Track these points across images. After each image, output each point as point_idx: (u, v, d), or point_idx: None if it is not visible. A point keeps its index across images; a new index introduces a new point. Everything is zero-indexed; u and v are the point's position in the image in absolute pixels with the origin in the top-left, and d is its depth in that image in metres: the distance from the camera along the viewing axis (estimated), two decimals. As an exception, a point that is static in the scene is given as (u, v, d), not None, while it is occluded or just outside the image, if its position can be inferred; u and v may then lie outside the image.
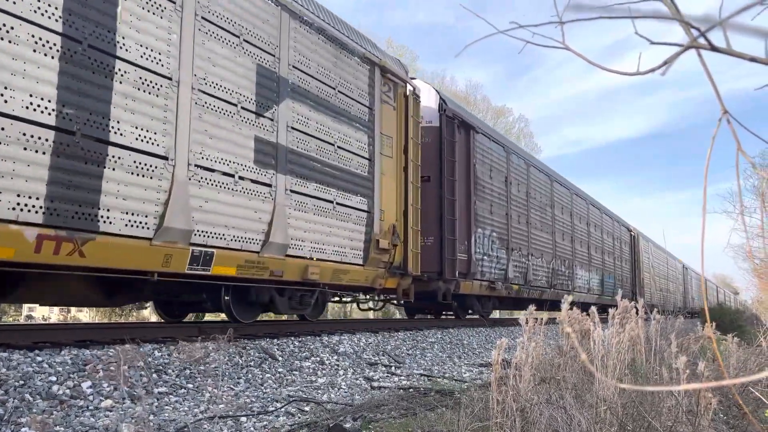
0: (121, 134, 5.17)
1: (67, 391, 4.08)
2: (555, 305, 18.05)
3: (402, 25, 65.99)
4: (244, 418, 3.96)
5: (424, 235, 10.54)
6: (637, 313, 4.77)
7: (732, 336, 6.40)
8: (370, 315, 24.28)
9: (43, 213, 4.59)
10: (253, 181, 6.60)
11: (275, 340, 6.72)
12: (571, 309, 4.09)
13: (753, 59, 0.87)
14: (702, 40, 0.82)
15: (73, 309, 26.13)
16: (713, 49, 0.84)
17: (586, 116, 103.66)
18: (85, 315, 23.00)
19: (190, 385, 4.81)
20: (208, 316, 14.02)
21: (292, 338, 7.05)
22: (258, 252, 6.66)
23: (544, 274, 16.10)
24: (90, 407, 3.96)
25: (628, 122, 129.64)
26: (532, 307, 4.09)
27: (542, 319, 4.26)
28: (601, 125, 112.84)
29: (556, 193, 17.59)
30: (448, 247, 11.05)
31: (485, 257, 12.56)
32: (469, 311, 13.47)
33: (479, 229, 12.32)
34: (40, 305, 15.10)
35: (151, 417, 3.87)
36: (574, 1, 0.88)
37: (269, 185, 6.82)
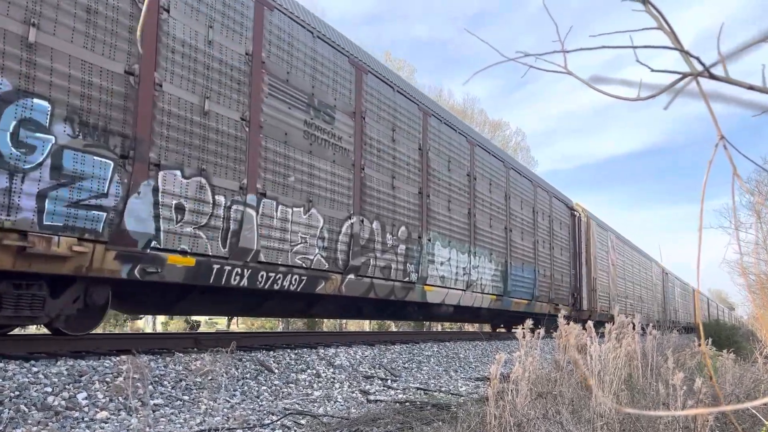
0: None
1: (63, 402, 4.07)
2: (374, 305, 9.99)
3: (401, 39, 66.57)
4: (239, 431, 3.94)
5: None
6: (634, 328, 4.79)
7: (727, 352, 6.42)
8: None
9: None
10: None
11: (271, 352, 6.71)
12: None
13: (751, 87, 0.90)
14: (702, 69, 0.85)
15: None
16: (713, 77, 0.86)
17: (582, 131, 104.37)
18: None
19: (186, 397, 4.79)
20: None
21: (288, 350, 7.04)
22: None
23: (316, 241, 7.55)
24: (85, 418, 3.94)
25: (624, 137, 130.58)
26: (529, 322, 4.07)
27: (539, 332, 4.26)
28: (597, 140, 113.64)
29: (370, 94, 9.00)
30: None
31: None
32: None
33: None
34: None
35: (147, 429, 3.85)
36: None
37: None
